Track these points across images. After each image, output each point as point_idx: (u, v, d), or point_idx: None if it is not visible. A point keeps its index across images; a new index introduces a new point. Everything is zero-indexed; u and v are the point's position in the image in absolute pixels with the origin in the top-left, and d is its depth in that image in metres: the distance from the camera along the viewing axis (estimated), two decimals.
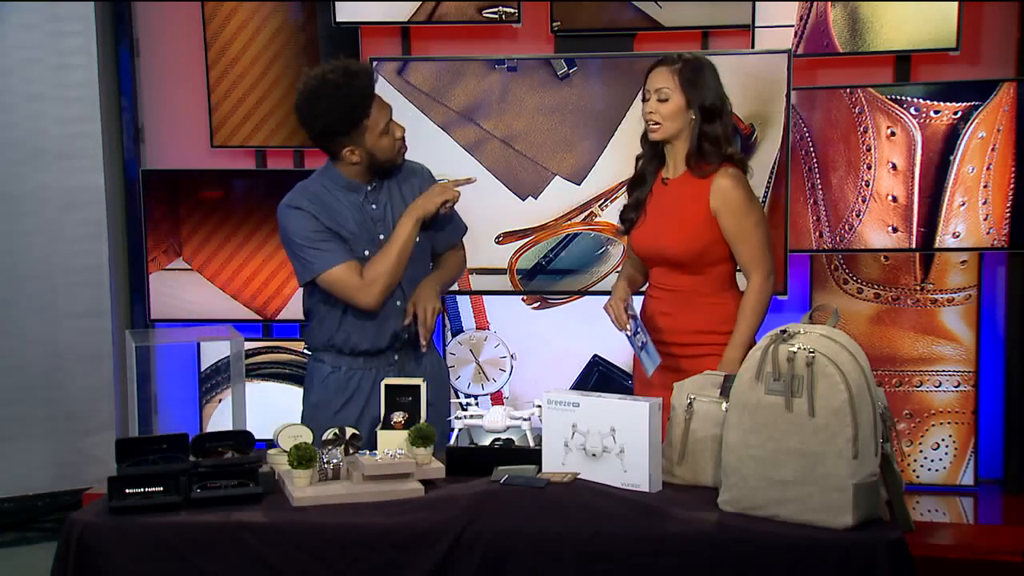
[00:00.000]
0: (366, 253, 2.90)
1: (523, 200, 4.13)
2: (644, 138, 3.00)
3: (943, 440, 4.10)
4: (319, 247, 2.85)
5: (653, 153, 2.99)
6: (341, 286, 2.85)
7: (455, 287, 4.11)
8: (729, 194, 2.87)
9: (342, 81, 2.79)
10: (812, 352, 2.20)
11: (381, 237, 2.92)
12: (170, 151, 4.59)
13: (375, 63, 4.15)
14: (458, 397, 2.93)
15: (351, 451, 2.58)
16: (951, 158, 3.98)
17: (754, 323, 2.88)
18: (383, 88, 4.12)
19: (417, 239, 2.93)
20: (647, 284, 3.09)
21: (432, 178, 3.08)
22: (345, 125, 2.82)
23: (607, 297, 3.00)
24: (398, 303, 2.94)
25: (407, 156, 2.99)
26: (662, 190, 2.98)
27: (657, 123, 2.89)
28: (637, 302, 3.05)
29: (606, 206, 4.07)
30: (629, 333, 2.95)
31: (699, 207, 2.89)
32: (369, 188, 2.94)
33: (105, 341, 4.50)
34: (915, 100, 3.98)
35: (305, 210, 2.87)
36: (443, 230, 3.06)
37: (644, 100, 2.92)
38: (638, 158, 3.05)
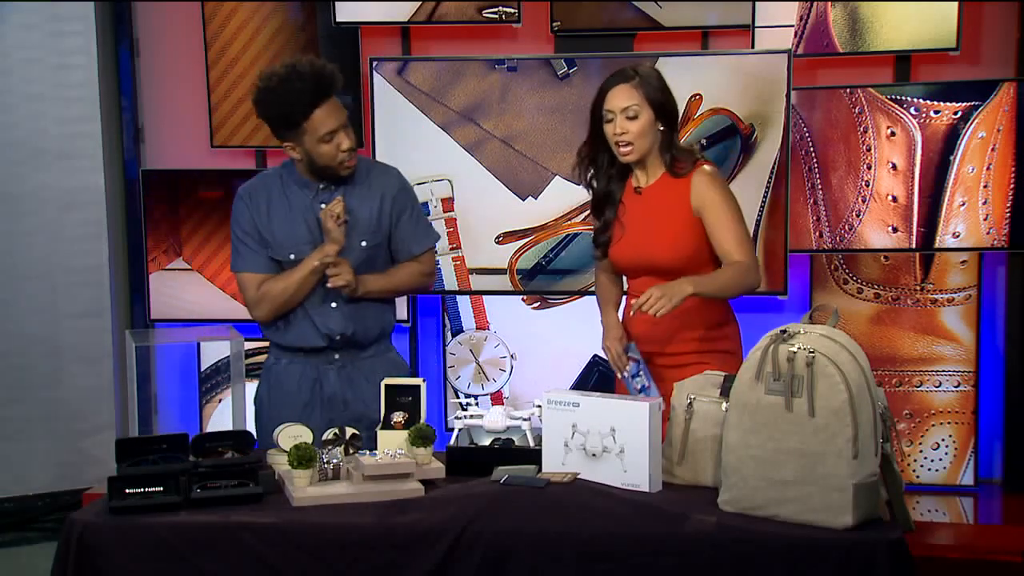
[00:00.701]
0: (291, 256, 2.92)
1: (523, 200, 4.13)
2: (585, 162, 2.92)
3: (943, 440, 4.10)
4: (244, 245, 2.95)
5: (614, 171, 2.92)
6: (243, 293, 2.98)
7: (455, 287, 4.12)
8: (709, 190, 2.83)
9: (286, 79, 2.79)
10: (812, 352, 2.20)
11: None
12: (170, 151, 4.59)
13: (375, 63, 4.16)
14: (458, 397, 2.94)
15: (351, 451, 2.59)
16: (951, 158, 3.98)
17: (724, 284, 2.74)
18: (383, 88, 4.13)
19: (364, 244, 2.93)
20: (626, 293, 3.04)
21: (402, 181, 3.04)
22: (281, 122, 2.84)
23: None
24: (332, 305, 2.94)
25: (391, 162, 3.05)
26: (635, 200, 2.92)
27: (629, 143, 2.81)
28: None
29: None
30: (628, 375, 2.91)
31: (681, 209, 2.85)
32: (320, 187, 2.93)
33: (105, 341, 4.50)
34: (915, 100, 3.98)
35: (245, 203, 2.95)
36: (403, 239, 3.01)
37: (606, 123, 2.82)
38: (590, 183, 2.96)
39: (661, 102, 2.81)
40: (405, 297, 4.14)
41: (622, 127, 2.80)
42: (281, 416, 2.88)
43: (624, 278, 3.07)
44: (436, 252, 3.15)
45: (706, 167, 2.86)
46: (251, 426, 3.16)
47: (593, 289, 3.18)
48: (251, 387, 4.21)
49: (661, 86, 2.83)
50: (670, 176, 2.86)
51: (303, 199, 2.94)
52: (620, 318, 3.05)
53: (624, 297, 3.07)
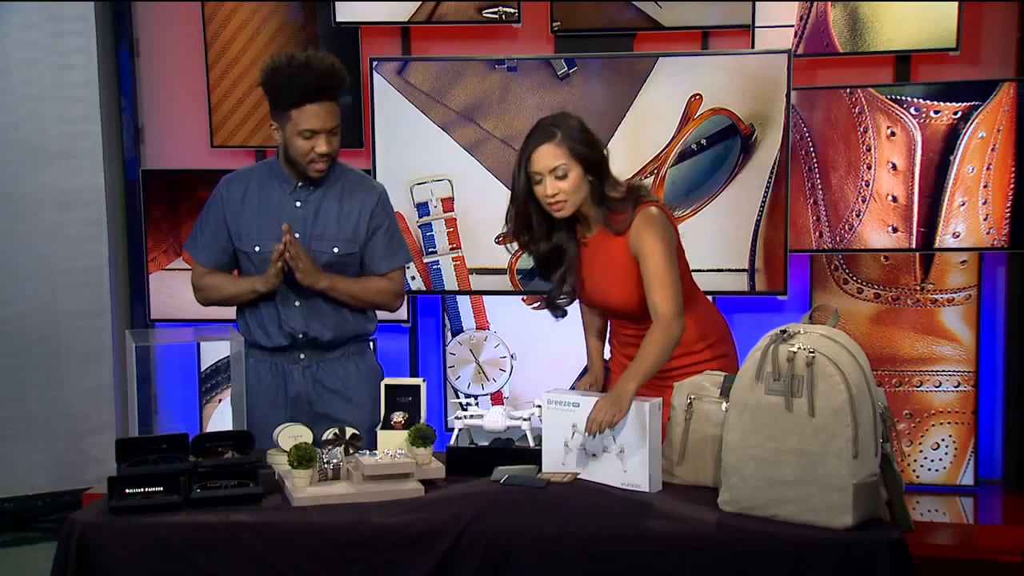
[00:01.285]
0: (256, 248, 2.93)
1: None
2: (518, 226, 2.78)
3: (943, 440, 4.10)
4: (203, 233, 3.01)
5: (550, 223, 2.77)
6: (192, 275, 3.07)
7: (455, 287, 4.11)
8: (641, 235, 2.68)
9: (296, 66, 2.81)
10: (812, 352, 2.20)
11: (297, 235, 2.89)
12: (170, 151, 4.59)
13: (375, 63, 4.15)
14: (458, 397, 2.94)
15: (351, 451, 2.59)
16: (951, 158, 3.97)
17: (656, 361, 2.57)
18: (383, 88, 4.13)
19: (336, 250, 2.93)
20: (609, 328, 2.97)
21: (384, 199, 3.02)
22: (276, 102, 2.87)
23: None
24: (296, 304, 2.94)
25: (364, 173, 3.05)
26: (584, 250, 2.81)
27: (562, 201, 2.67)
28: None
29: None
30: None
31: (623, 258, 2.73)
32: (298, 184, 2.94)
33: (105, 341, 4.50)
34: (915, 100, 3.98)
35: (222, 191, 3.00)
36: (374, 254, 2.99)
37: (535, 184, 2.68)
38: (528, 244, 2.80)
39: (586, 155, 2.67)
40: (405, 297, 4.13)
41: (553, 188, 2.66)
42: (252, 412, 2.87)
43: None
44: (405, 273, 3.09)
45: (650, 210, 2.70)
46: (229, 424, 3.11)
47: None
48: None
49: (584, 138, 2.69)
50: (608, 231, 2.75)
51: (279, 193, 2.96)
52: (605, 354, 3.01)
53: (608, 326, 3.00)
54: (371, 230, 2.98)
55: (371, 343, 3.19)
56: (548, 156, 2.67)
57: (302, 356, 2.98)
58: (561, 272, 2.81)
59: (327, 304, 2.95)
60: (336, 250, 2.93)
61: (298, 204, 2.94)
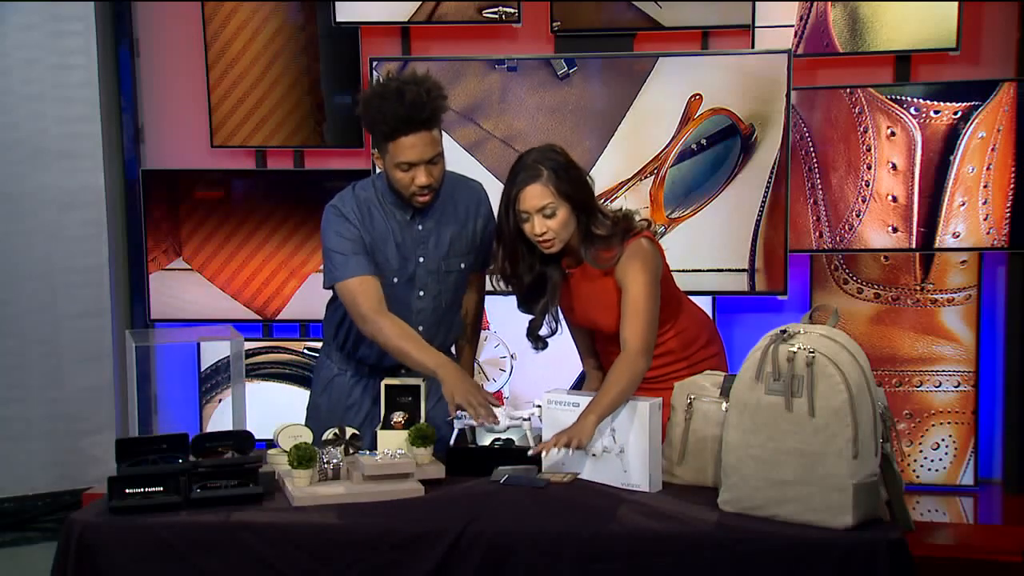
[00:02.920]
0: (395, 280, 2.81)
1: None
2: (506, 263, 2.74)
3: (943, 440, 4.10)
4: (350, 252, 2.76)
5: (535, 259, 2.74)
6: (356, 301, 2.75)
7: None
8: (627, 269, 2.66)
9: (387, 96, 2.67)
10: (812, 352, 2.20)
11: (421, 260, 2.82)
12: (170, 151, 4.59)
13: (375, 63, 4.15)
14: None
15: (351, 451, 2.59)
16: (951, 158, 3.97)
17: (619, 396, 2.51)
18: None
19: (463, 266, 2.88)
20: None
21: (484, 199, 2.94)
22: (370, 133, 2.77)
23: None
24: (420, 328, 2.82)
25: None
26: (572, 279, 2.79)
27: (551, 239, 2.64)
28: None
29: (606, 206, 4.07)
30: None
31: (613, 286, 2.70)
32: (415, 209, 2.81)
33: (105, 341, 4.50)
34: (915, 100, 3.98)
35: (348, 217, 2.78)
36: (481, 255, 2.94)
37: (523, 222, 2.65)
38: (505, 266, 2.75)
39: (575, 194, 2.64)
40: None
41: (541, 226, 2.63)
42: (339, 420, 2.83)
43: None
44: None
45: (640, 243, 2.68)
46: (260, 429, 3.06)
47: None
48: (251, 387, 4.25)
49: (571, 176, 2.65)
50: (593, 268, 2.72)
51: (400, 218, 2.82)
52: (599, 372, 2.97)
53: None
54: (486, 238, 2.90)
55: None
56: (535, 196, 2.62)
57: (402, 371, 2.85)
58: (544, 302, 2.79)
59: (441, 323, 2.90)
60: (463, 266, 2.88)
61: (420, 228, 2.83)
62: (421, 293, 2.84)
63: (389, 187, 2.79)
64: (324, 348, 3.04)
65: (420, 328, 2.83)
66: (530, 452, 2.54)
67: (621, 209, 2.77)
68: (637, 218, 2.75)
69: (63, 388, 4.47)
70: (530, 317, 2.86)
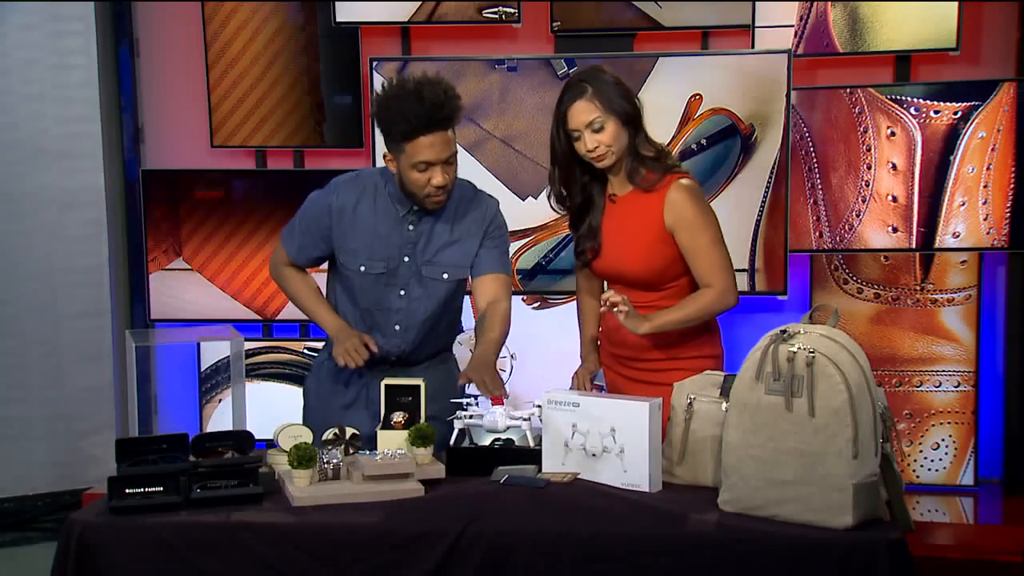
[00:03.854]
0: (361, 268, 2.84)
1: (523, 200, 4.13)
2: (559, 184, 2.85)
3: (943, 440, 4.10)
4: (301, 232, 2.92)
5: (589, 175, 2.84)
6: (275, 253, 3.03)
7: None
8: (683, 210, 2.75)
9: (405, 97, 2.69)
10: (812, 352, 2.20)
11: (406, 259, 2.83)
12: (170, 151, 4.59)
13: (375, 63, 4.15)
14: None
15: (351, 451, 2.59)
16: (951, 158, 3.98)
17: (691, 316, 2.75)
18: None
19: (445, 276, 2.85)
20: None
21: (495, 214, 2.92)
22: (387, 135, 2.75)
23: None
24: (396, 327, 2.87)
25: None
26: (610, 208, 2.86)
27: (603, 152, 2.74)
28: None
29: None
30: None
31: (654, 224, 2.78)
32: (414, 207, 2.83)
33: (105, 341, 4.50)
34: (915, 100, 3.98)
35: (330, 201, 2.86)
36: (484, 261, 2.89)
37: (575, 141, 2.75)
38: (560, 189, 2.86)
39: (621, 108, 2.72)
40: None
41: (592, 141, 2.73)
42: (325, 409, 2.91)
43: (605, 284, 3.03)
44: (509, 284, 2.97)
45: (683, 182, 2.77)
46: (260, 429, 3.09)
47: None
48: (251, 387, 4.25)
49: (617, 91, 2.73)
50: (639, 190, 2.80)
51: (392, 213, 2.84)
52: (596, 343, 3.04)
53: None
54: (482, 252, 2.88)
55: (454, 353, 3.14)
56: (582, 112, 2.72)
57: (389, 367, 2.90)
58: (589, 221, 2.88)
59: (420, 330, 2.90)
60: (446, 276, 2.86)
61: (411, 228, 2.84)
62: (402, 292, 2.84)
63: (400, 187, 2.80)
64: (327, 340, 3.07)
65: (396, 327, 2.87)
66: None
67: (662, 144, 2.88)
68: (674, 158, 2.86)
69: (63, 388, 4.47)
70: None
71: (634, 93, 2.80)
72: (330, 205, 2.86)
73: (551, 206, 2.95)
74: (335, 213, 2.85)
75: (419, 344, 2.92)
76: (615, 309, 2.67)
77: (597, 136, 2.73)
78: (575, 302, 3.13)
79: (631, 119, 2.75)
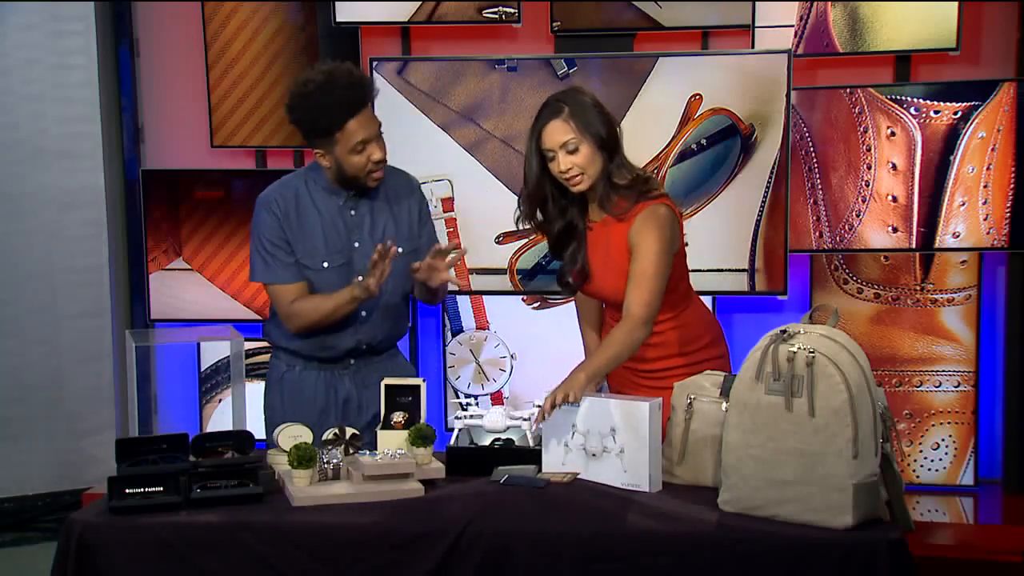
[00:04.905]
0: (324, 264, 2.88)
1: None
2: (532, 206, 2.79)
3: (943, 440, 4.10)
4: (273, 255, 2.90)
5: (566, 199, 2.78)
6: (275, 304, 2.97)
7: (454, 287, 4.10)
8: (638, 233, 2.69)
9: (323, 88, 2.75)
10: (812, 352, 2.20)
11: (356, 244, 2.89)
12: (170, 151, 4.59)
13: (375, 63, 4.15)
14: (458, 397, 2.93)
15: (351, 451, 2.59)
16: (951, 158, 3.97)
17: (612, 359, 2.61)
18: (383, 88, 4.12)
19: (401, 250, 2.84)
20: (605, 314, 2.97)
21: (416, 185, 3.04)
22: (314, 130, 2.80)
23: None
24: (363, 313, 2.91)
25: (409, 169, 3.01)
26: (591, 235, 2.82)
27: (578, 174, 2.68)
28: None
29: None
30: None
31: (624, 248, 2.73)
32: (349, 193, 2.90)
33: (105, 341, 4.50)
34: (915, 100, 3.98)
35: (270, 212, 2.89)
36: (429, 243, 2.96)
37: (549, 161, 2.70)
38: (542, 225, 2.82)
39: (596, 131, 2.68)
40: None
41: (566, 162, 2.68)
42: (298, 417, 2.86)
43: None
44: None
45: (659, 209, 2.70)
46: (260, 429, 3.09)
47: None
48: (252, 387, 4.23)
49: (595, 114, 2.69)
50: (610, 218, 2.75)
51: (332, 204, 2.90)
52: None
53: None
54: (423, 219, 2.99)
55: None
56: (557, 132, 2.68)
57: (352, 362, 2.97)
58: (573, 249, 2.83)
59: (387, 312, 2.95)
60: (401, 250, 2.86)
61: (353, 213, 2.90)
62: (360, 279, 2.83)
63: (336, 179, 2.85)
64: (273, 351, 3.11)
65: (363, 313, 2.91)
66: (530, 422, 2.55)
67: (644, 170, 2.82)
68: (653, 184, 2.79)
69: (63, 388, 4.47)
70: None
71: (614, 118, 2.76)
72: (276, 215, 2.89)
73: (515, 222, 2.87)
74: (283, 220, 2.89)
75: (384, 330, 2.97)
76: (557, 406, 2.51)
77: (571, 158, 2.68)
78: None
79: (606, 143, 2.70)
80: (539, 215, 2.82)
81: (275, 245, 2.90)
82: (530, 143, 2.74)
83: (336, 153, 2.79)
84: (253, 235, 2.94)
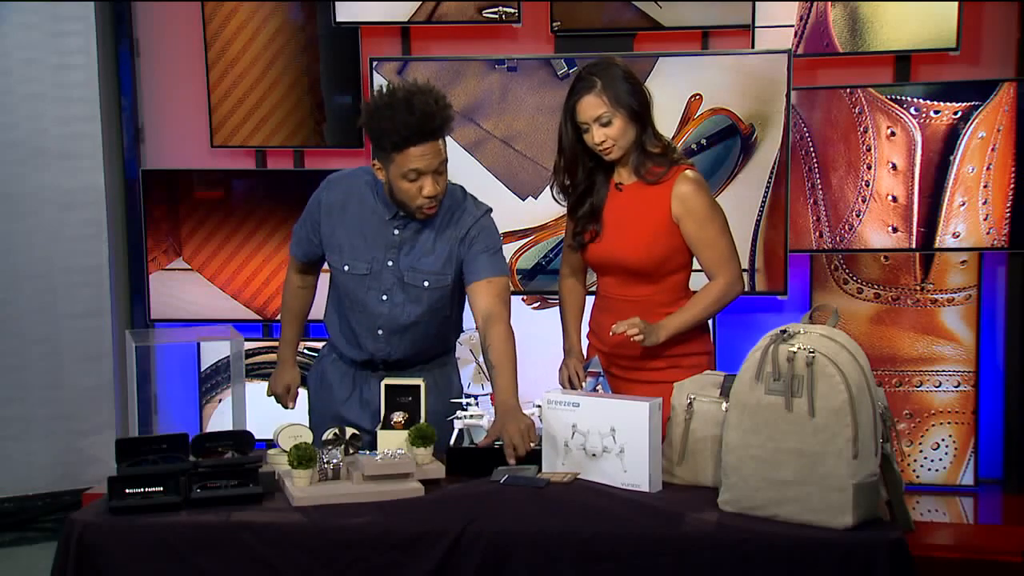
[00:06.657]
0: (345, 268, 2.84)
1: (523, 200, 4.13)
2: (564, 173, 2.89)
3: (943, 440, 4.10)
4: (301, 227, 2.97)
5: (595, 162, 2.87)
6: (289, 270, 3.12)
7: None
8: (691, 201, 2.81)
9: (395, 107, 2.64)
10: (812, 352, 2.20)
11: (390, 264, 2.81)
12: (170, 151, 4.59)
13: (375, 63, 4.16)
14: (458, 397, 2.92)
15: (351, 451, 2.59)
16: (951, 158, 3.98)
17: (705, 311, 2.83)
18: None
19: (426, 284, 2.81)
20: (596, 293, 3.02)
21: (478, 218, 2.83)
22: (377, 144, 2.73)
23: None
24: (378, 331, 2.86)
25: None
26: (615, 196, 2.89)
27: (611, 145, 2.79)
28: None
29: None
30: (586, 389, 2.85)
31: (659, 214, 2.82)
32: (399, 212, 2.80)
33: (105, 341, 4.50)
34: (915, 100, 3.98)
35: (324, 196, 2.89)
36: (476, 267, 2.82)
37: (584, 133, 2.80)
38: (564, 179, 2.90)
39: (629, 104, 2.77)
40: None
41: (600, 135, 2.78)
42: (324, 403, 2.98)
43: (593, 275, 3.06)
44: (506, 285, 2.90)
45: (688, 174, 2.82)
46: (260, 429, 3.09)
47: (592, 289, 3.16)
48: (251, 387, 4.25)
49: (627, 87, 2.78)
50: (643, 182, 2.84)
51: (379, 215, 2.83)
52: (583, 334, 3.08)
53: (592, 297, 3.08)
54: (465, 250, 2.82)
55: (455, 357, 3.09)
56: (591, 106, 2.77)
57: (381, 368, 2.91)
58: (588, 208, 2.90)
59: (409, 333, 2.88)
60: (427, 284, 2.82)
61: (396, 232, 2.81)
62: (384, 297, 2.82)
63: (390, 195, 2.78)
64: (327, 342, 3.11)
65: (379, 331, 2.87)
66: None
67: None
68: (680, 152, 2.93)
69: (63, 388, 4.47)
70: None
71: (644, 86, 2.84)
72: (320, 200, 2.90)
73: (553, 196, 2.99)
74: (324, 208, 2.88)
75: (406, 351, 2.90)
76: (633, 337, 2.72)
77: (605, 130, 2.78)
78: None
79: (638, 115, 2.80)
80: (571, 181, 2.92)
81: (304, 221, 2.95)
82: (564, 116, 2.83)
83: (390, 173, 2.71)
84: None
